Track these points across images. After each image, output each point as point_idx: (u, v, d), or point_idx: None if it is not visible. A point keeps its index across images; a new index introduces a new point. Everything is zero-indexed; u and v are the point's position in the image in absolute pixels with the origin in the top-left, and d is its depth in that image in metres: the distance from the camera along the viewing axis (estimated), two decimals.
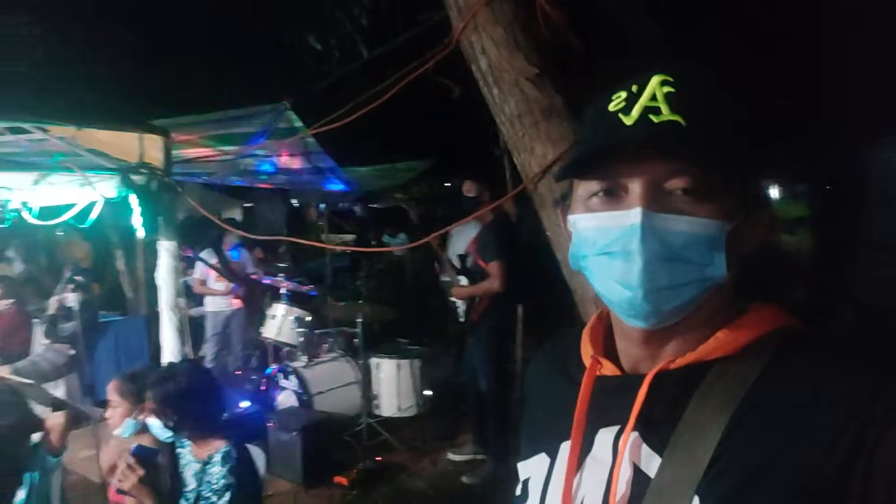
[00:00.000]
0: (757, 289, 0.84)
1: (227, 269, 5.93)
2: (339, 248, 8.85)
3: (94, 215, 3.01)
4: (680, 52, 2.88)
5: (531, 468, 0.88)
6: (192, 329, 6.57)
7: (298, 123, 3.84)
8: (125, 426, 2.42)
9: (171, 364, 2.50)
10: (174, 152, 4.24)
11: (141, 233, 2.88)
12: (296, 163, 4.84)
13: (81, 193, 2.92)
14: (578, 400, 0.81)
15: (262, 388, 5.37)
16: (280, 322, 5.41)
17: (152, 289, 6.67)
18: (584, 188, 0.77)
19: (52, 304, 5.51)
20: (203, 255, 6.02)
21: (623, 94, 0.74)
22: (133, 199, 2.76)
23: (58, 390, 5.52)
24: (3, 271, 9.60)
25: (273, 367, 5.41)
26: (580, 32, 2.26)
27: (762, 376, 0.70)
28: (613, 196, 0.73)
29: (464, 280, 4.59)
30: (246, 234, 5.14)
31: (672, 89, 0.72)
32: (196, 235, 6.43)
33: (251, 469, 2.30)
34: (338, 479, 4.27)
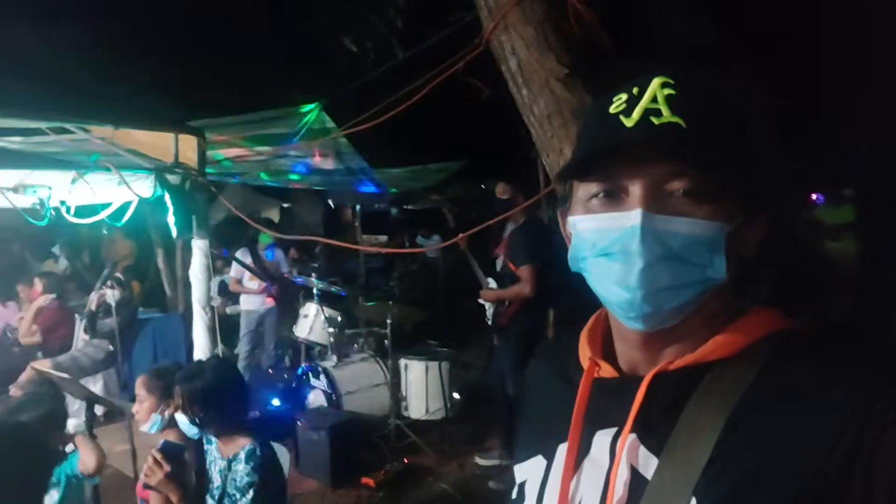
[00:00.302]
0: (803, 296, 0.86)
1: (260, 269, 6.00)
2: (366, 249, 8.90)
3: (129, 214, 3.07)
4: (710, 50, 2.81)
5: (527, 471, 0.87)
6: (230, 326, 6.73)
7: (331, 124, 3.87)
8: (152, 422, 2.46)
9: (198, 361, 2.53)
10: (210, 153, 4.33)
11: (174, 231, 2.92)
12: (328, 163, 4.87)
13: (117, 192, 2.98)
14: (576, 401, 0.81)
15: (293, 386, 5.41)
16: (311, 321, 5.44)
17: (189, 286, 6.80)
18: (584, 190, 0.76)
19: (93, 301, 5.64)
20: (238, 254, 6.11)
21: (624, 96, 0.74)
22: (167, 199, 2.81)
23: (96, 385, 5.68)
24: (48, 268, 9.93)
25: (304, 365, 5.45)
26: (612, 31, 2.22)
27: (760, 379, 0.70)
28: (613, 198, 0.73)
29: (493, 283, 4.56)
30: (275, 234, 5.19)
31: (672, 91, 0.72)
32: (233, 235, 6.54)
33: (275, 467, 2.31)
34: (365, 480, 4.27)
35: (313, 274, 5.66)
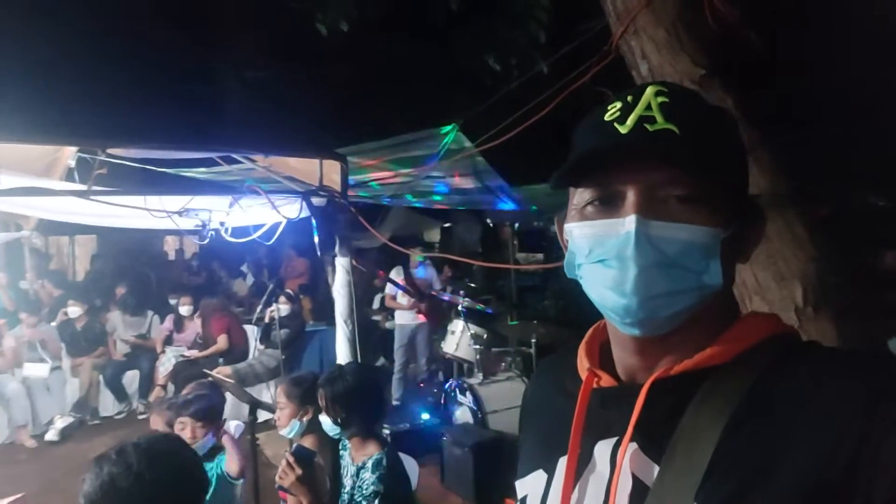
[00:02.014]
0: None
1: (410, 285, 6.21)
2: (501, 266, 8.88)
3: (277, 235, 3.34)
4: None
5: (528, 486, 0.87)
6: (387, 340, 7.05)
7: (468, 143, 3.92)
8: (291, 427, 2.61)
9: (339, 365, 2.67)
10: (360, 176, 4.59)
11: (318, 250, 3.12)
12: (468, 183, 4.94)
13: (268, 214, 3.25)
14: (575, 413, 0.81)
15: (441, 401, 5.50)
16: (458, 338, 5.52)
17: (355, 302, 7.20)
18: (580, 197, 0.77)
19: (267, 314, 6.17)
20: (392, 272, 6.38)
21: (618, 105, 0.75)
22: (313, 220, 3.02)
23: (269, 391, 6.19)
24: (237, 286, 11.06)
25: (452, 381, 5.53)
26: (757, 26, 2.02)
27: (758, 383, 0.70)
28: (608, 204, 0.74)
29: None
30: (404, 250, 5.33)
31: (666, 99, 0.73)
32: (392, 253, 6.87)
33: (401, 478, 2.35)
34: (508, 501, 4.21)
35: (461, 291, 5.74)
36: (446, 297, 5.96)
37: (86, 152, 3.39)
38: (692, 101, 0.76)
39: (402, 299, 6.41)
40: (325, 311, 9.05)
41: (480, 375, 5.35)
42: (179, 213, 3.08)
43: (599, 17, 2.41)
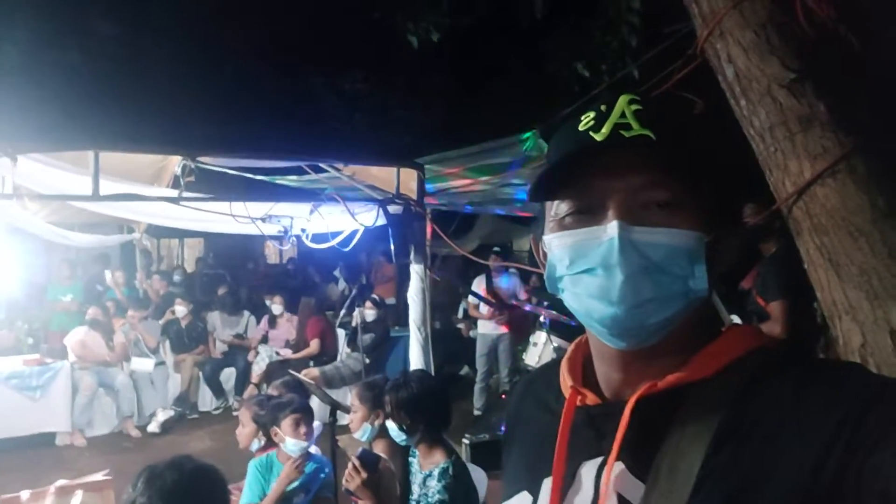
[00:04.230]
0: None
1: (492, 295, 6.19)
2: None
3: (355, 241, 3.42)
4: None
5: None
6: (470, 349, 7.04)
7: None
8: (363, 430, 2.66)
9: (405, 372, 2.71)
10: (441, 184, 4.62)
11: (393, 257, 3.17)
12: None
13: (346, 221, 3.34)
14: (559, 433, 0.79)
15: None
16: (540, 350, 5.44)
17: (437, 308, 7.28)
18: (557, 208, 0.76)
19: (355, 318, 6.33)
20: (475, 281, 6.38)
21: (592, 114, 0.74)
22: (389, 227, 3.07)
23: (350, 395, 6.34)
24: (330, 291, 11.44)
25: None
26: (855, 26, 1.88)
27: (742, 398, 0.69)
28: (588, 213, 0.73)
29: (737, 320, 4.08)
30: (473, 258, 5.28)
31: (640, 107, 0.73)
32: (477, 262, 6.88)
33: (467, 488, 2.33)
34: None
35: (545, 302, 5.65)
36: (528, 308, 5.88)
37: (186, 161, 3.62)
38: (667, 108, 0.77)
39: (484, 309, 6.40)
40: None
41: None
42: (263, 220, 3.22)
43: (687, 20, 2.33)
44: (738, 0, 1.93)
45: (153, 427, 6.48)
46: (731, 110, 2.04)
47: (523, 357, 5.68)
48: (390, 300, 7.53)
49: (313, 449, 3.24)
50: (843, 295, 1.58)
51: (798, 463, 0.62)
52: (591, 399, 0.80)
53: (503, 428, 1.03)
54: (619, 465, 0.72)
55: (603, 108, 0.74)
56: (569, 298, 0.76)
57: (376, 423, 2.65)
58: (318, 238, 3.60)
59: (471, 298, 6.62)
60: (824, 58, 1.84)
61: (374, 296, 6.89)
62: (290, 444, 2.95)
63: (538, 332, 5.57)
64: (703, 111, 2.51)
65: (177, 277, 9.47)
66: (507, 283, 6.57)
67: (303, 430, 2.89)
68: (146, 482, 1.74)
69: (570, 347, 0.88)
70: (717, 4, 2.00)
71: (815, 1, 1.86)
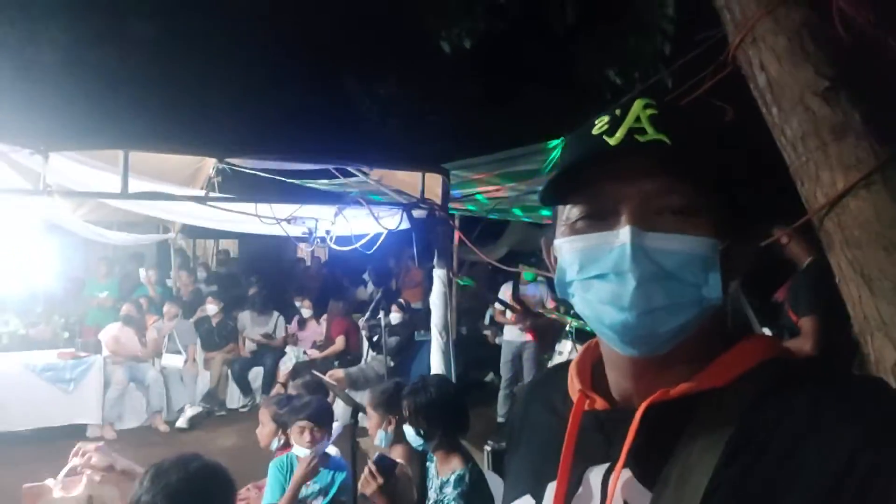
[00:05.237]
0: None
1: (518, 302, 6.14)
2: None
3: (378, 244, 3.43)
4: None
5: None
6: (496, 356, 7.02)
7: None
8: (378, 436, 2.65)
9: (423, 377, 2.69)
10: (469, 190, 4.61)
11: (416, 261, 3.16)
12: None
13: (370, 225, 3.34)
14: (566, 437, 0.77)
15: None
16: (565, 358, 5.36)
17: (463, 314, 7.25)
18: (569, 213, 0.75)
19: (381, 321, 6.36)
20: (502, 287, 6.35)
21: (606, 118, 0.73)
22: (413, 232, 3.07)
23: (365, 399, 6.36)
24: (359, 293, 11.52)
25: None
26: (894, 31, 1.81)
27: (756, 409, 0.67)
28: (600, 219, 0.72)
29: (768, 333, 3.98)
30: (492, 261, 5.23)
31: (655, 111, 0.72)
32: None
33: (483, 496, 2.30)
34: None
35: (572, 311, 5.58)
36: (553, 317, 5.83)
37: (222, 163, 3.67)
38: (682, 114, 0.76)
39: (509, 314, 6.36)
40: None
41: None
42: (288, 221, 3.24)
43: (720, 26, 2.28)
44: (773, 5, 1.88)
45: (181, 423, 6.59)
46: (763, 119, 2.00)
47: (548, 365, 5.63)
48: (417, 304, 7.52)
49: (334, 451, 3.25)
50: (876, 311, 1.52)
51: (817, 483, 0.60)
52: (599, 404, 0.79)
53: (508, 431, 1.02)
54: (627, 473, 0.71)
55: (617, 112, 0.73)
56: (579, 303, 0.75)
57: (389, 428, 2.65)
58: (341, 241, 3.62)
59: (497, 305, 6.58)
60: (860, 65, 1.79)
61: (401, 300, 6.90)
62: (296, 449, 2.96)
63: (564, 342, 5.51)
64: (733, 119, 2.47)
65: (202, 274, 9.62)
66: (534, 290, 6.52)
67: (307, 437, 2.88)
68: (151, 480, 1.75)
69: (580, 351, 0.87)
70: (749, 10, 1.95)
71: (852, 5, 1.81)
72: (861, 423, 0.61)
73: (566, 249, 0.75)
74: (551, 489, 0.77)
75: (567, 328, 5.49)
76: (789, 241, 3.71)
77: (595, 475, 0.75)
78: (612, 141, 0.71)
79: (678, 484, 0.66)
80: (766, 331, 4.03)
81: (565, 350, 5.46)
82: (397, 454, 2.60)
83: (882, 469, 0.58)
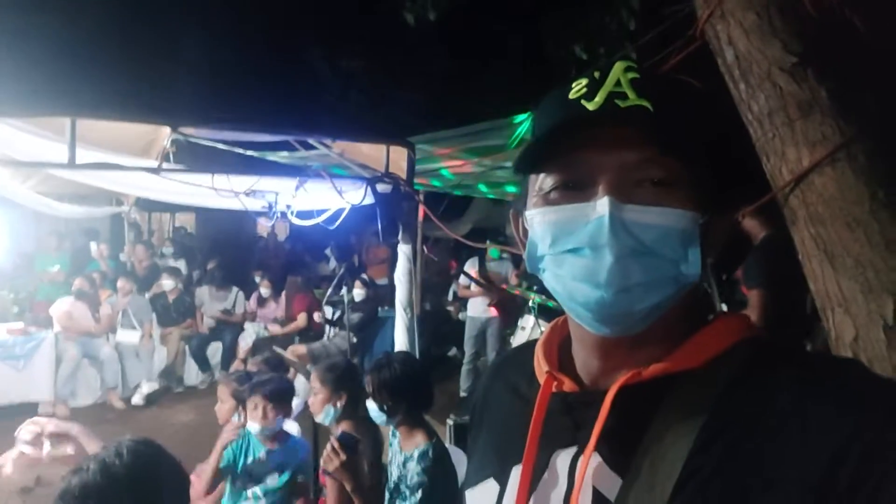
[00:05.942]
0: None
1: (484, 278, 6.16)
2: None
3: (340, 220, 3.36)
4: None
5: (478, 497, 0.79)
6: (459, 331, 7.05)
7: None
8: (325, 412, 2.62)
9: (387, 353, 2.67)
10: (434, 165, 4.55)
11: (380, 236, 3.11)
12: None
13: (333, 199, 3.27)
14: (532, 419, 0.73)
15: None
16: (528, 334, 5.41)
17: (427, 290, 7.22)
18: (543, 182, 0.70)
19: (344, 297, 6.30)
20: (468, 262, 6.34)
21: (584, 81, 0.69)
22: (377, 206, 3.01)
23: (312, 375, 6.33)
24: (321, 269, 11.41)
25: None
26: (861, 9, 1.82)
27: (731, 392, 0.64)
28: (576, 189, 0.67)
29: (725, 308, 4.06)
30: (468, 243, 5.23)
31: (637, 75, 0.67)
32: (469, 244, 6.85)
33: (447, 471, 2.30)
34: None
35: (535, 287, 5.61)
36: (516, 292, 5.86)
37: (176, 133, 3.52)
38: (665, 79, 0.76)
39: (474, 288, 6.37)
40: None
41: None
42: (246, 194, 3.15)
43: (688, 1, 2.27)
44: None
45: (137, 399, 6.45)
46: (730, 96, 1.99)
47: (511, 341, 5.67)
48: (382, 280, 7.47)
49: (294, 429, 3.20)
50: (837, 287, 1.54)
51: (805, 471, 0.57)
52: (568, 386, 0.75)
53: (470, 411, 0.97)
54: (596, 458, 0.67)
55: (596, 74, 0.68)
56: (550, 279, 0.70)
57: (339, 404, 2.62)
58: (303, 215, 3.53)
59: (462, 280, 6.58)
60: (828, 42, 1.79)
61: (364, 276, 6.84)
62: (250, 425, 2.88)
63: (526, 317, 5.54)
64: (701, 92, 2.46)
65: (165, 251, 9.37)
66: (497, 267, 6.54)
67: (260, 413, 2.81)
68: (75, 474, 1.65)
69: (546, 330, 0.82)
70: None
71: None
72: (851, 411, 0.58)
73: (538, 221, 0.70)
74: (516, 473, 0.74)
75: (529, 303, 5.51)
76: (744, 217, 3.76)
77: (562, 460, 0.71)
78: (590, 105, 0.66)
79: (650, 470, 0.63)
80: (724, 306, 4.11)
81: (528, 325, 5.49)
82: (344, 429, 2.57)
83: (874, 455, 0.55)
